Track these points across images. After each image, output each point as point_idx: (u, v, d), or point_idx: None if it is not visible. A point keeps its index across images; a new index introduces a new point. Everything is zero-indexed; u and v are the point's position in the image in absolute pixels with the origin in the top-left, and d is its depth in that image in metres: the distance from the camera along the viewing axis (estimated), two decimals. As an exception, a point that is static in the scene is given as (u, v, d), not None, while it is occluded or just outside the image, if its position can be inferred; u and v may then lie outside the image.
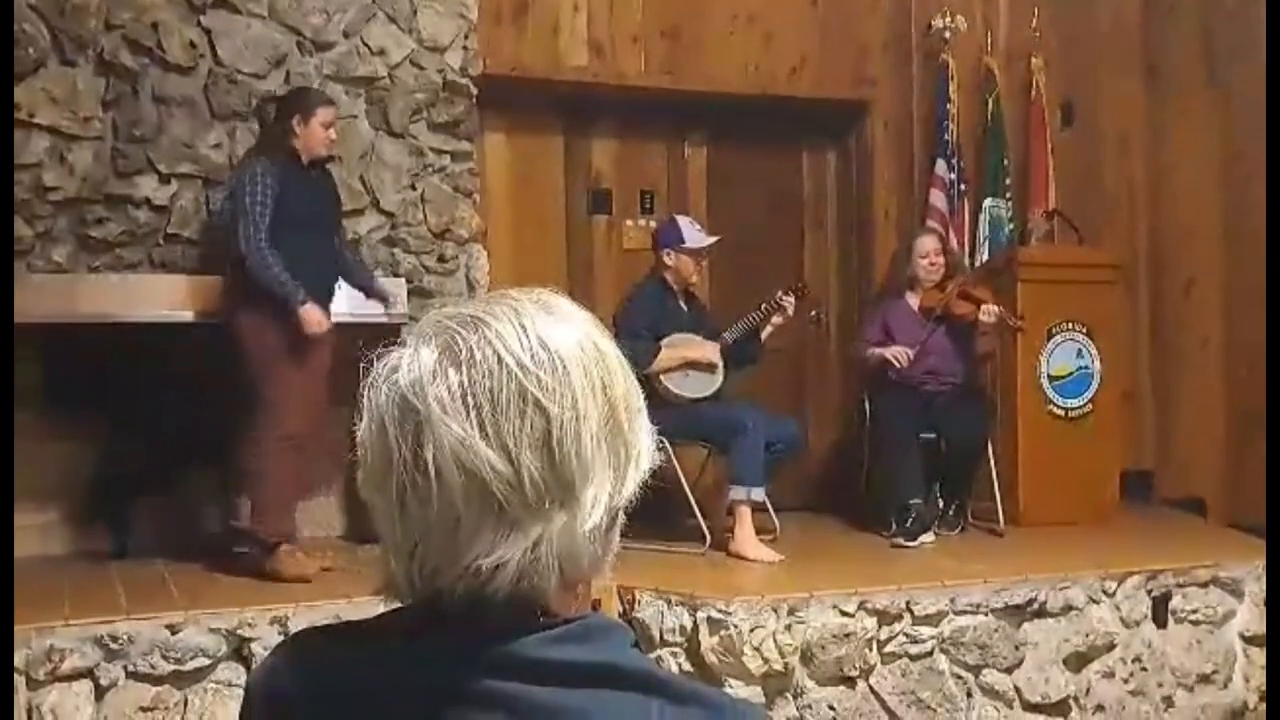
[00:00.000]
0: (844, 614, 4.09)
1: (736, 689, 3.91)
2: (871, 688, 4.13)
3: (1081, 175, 6.40)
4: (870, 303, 5.96)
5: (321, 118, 4.41)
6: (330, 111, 4.47)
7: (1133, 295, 6.43)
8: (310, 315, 4.20)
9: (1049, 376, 5.66)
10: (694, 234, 5.09)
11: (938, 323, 5.38)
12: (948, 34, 6.06)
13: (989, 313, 5.27)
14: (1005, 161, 6.19)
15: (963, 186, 6.09)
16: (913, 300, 5.50)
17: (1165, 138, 6.46)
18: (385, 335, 0.99)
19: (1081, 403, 5.71)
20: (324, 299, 4.37)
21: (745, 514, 4.76)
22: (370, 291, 4.64)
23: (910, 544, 4.97)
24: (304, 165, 4.41)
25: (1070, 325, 5.70)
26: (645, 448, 0.95)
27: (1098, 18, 6.45)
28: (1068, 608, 4.37)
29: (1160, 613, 4.52)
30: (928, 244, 5.53)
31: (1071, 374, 5.70)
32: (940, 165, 6.05)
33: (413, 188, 5.12)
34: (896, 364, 5.25)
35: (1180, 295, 6.42)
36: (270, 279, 4.19)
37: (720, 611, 4.01)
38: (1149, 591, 4.52)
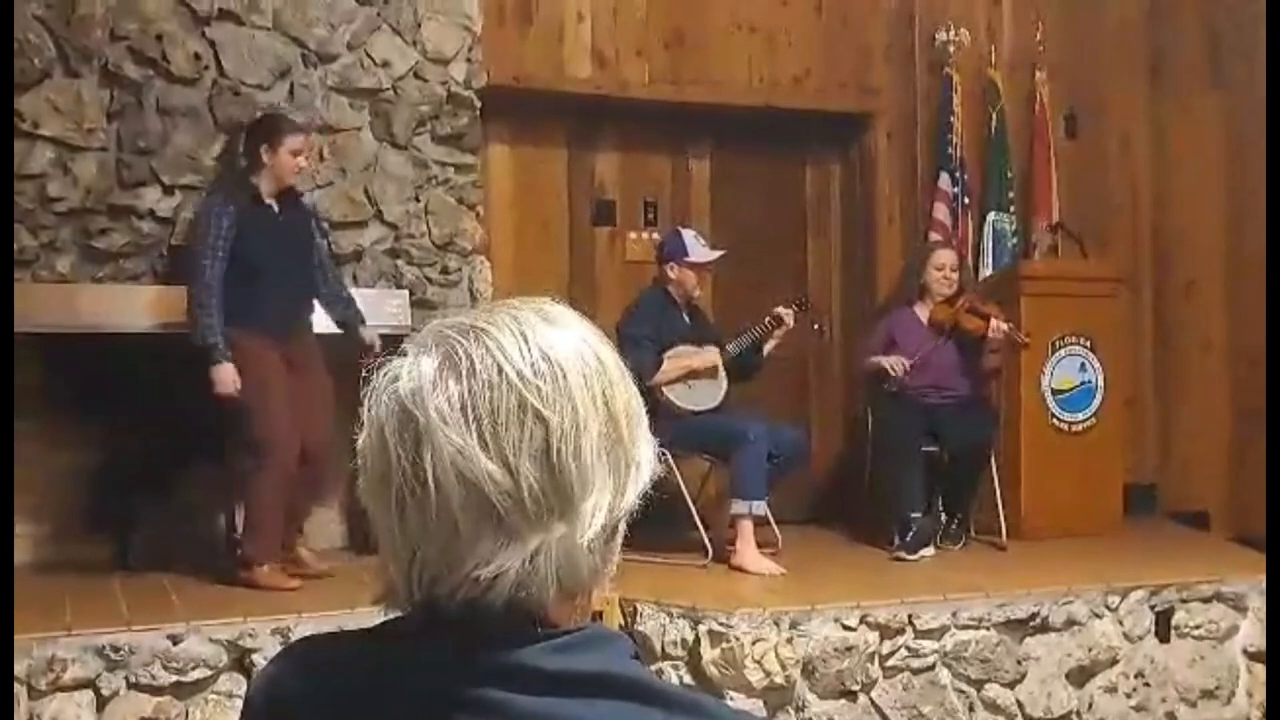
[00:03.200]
0: (846, 627, 4.08)
1: (737, 702, 3.90)
2: (873, 701, 4.11)
3: (1085, 180, 6.39)
4: (874, 313, 5.95)
5: (290, 145, 4.31)
6: (299, 139, 4.37)
7: (1136, 299, 6.41)
8: (221, 374, 4.16)
9: (1052, 390, 5.65)
10: (698, 248, 5.08)
11: (947, 337, 5.36)
12: (952, 47, 6.06)
13: (997, 329, 5.25)
14: (1009, 174, 6.19)
15: (966, 200, 6.09)
16: (921, 311, 5.47)
17: (1168, 139, 6.44)
18: (387, 344, 0.99)
19: (1084, 417, 5.70)
20: (283, 336, 4.34)
21: (747, 527, 4.74)
22: (348, 329, 4.55)
23: (911, 557, 4.96)
24: (267, 203, 4.35)
25: (1073, 339, 5.69)
26: (646, 459, 0.95)
27: (1102, 26, 6.44)
28: (1070, 622, 4.36)
29: (1163, 628, 4.50)
30: (946, 257, 5.51)
31: (1074, 388, 5.69)
32: (944, 179, 6.05)
33: (416, 199, 5.11)
34: (892, 373, 5.24)
35: (1181, 297, 6.40)
36: (203, 328, 4.17)
37: (722, 624, 4.00)
38: (1152, 606, 4.50)
